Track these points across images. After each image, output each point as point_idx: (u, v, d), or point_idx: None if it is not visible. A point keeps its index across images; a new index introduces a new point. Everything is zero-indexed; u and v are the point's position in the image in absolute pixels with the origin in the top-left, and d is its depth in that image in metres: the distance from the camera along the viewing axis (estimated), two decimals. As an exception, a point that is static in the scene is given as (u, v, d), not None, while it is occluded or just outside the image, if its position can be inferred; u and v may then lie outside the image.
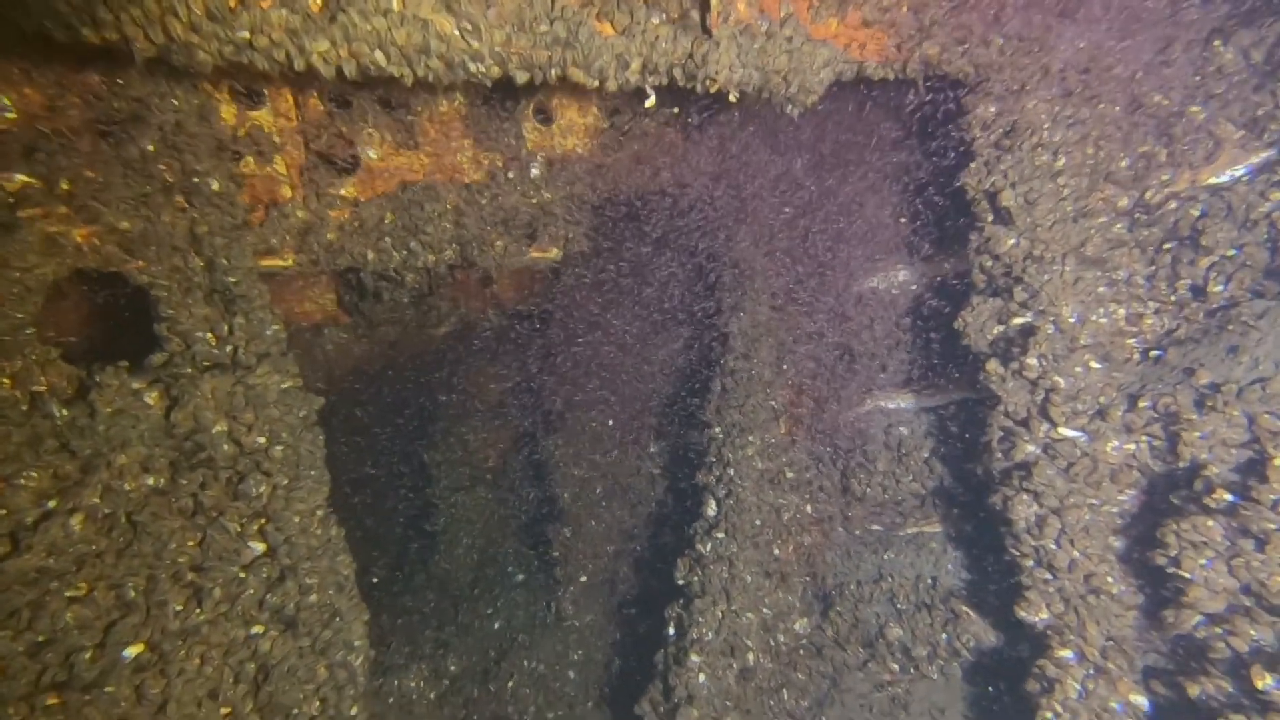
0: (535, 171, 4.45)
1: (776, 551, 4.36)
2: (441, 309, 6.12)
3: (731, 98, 2.75)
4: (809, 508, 4.62)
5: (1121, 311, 3.32)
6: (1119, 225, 3.36)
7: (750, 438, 4.31)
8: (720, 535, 4.10)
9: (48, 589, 2.49)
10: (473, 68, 2.44)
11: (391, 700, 5.23)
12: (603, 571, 5.38)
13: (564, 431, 5.68)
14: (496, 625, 5.61)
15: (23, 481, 2.50)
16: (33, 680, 2.43)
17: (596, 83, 2.60)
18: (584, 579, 5.42)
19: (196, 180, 3.04)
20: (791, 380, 4.66)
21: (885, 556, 4.41)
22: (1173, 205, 3.33)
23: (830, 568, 4.55)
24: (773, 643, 4.20)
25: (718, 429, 4.36)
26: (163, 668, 2.69)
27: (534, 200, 4.45)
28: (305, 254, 3.68)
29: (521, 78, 2.57)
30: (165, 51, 2.29)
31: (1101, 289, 3.27)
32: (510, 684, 5.14)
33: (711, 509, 4.26)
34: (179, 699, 2.71)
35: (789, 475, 4.54)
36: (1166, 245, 3.31)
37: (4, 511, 2.46)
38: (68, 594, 2.55)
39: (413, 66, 2.41)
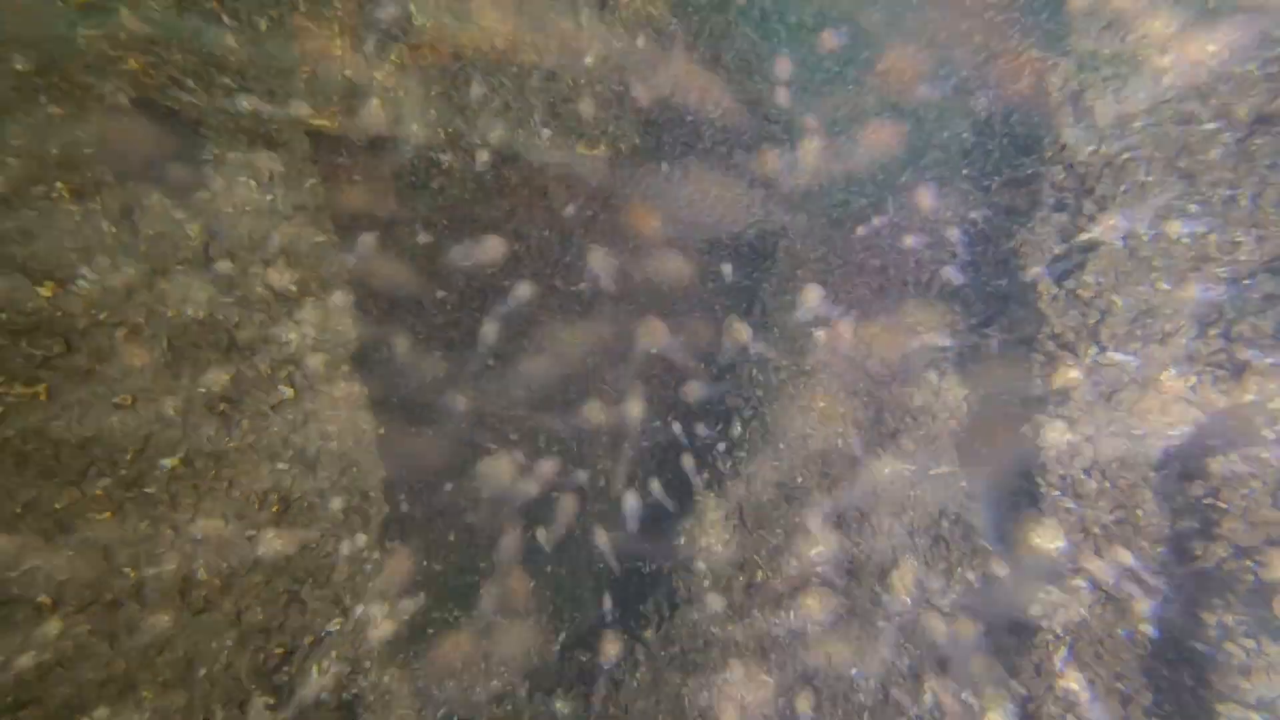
0: (589, 60, 4.31)
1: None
2: (496, 218, 6.08)
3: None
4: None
5: (1213, 237, 2.92)
6: (1226, 135, 2.92)
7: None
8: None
9: (95, 392, 2.73)
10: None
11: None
12: None
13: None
14: None
15: (79, 285, 2.71)
16: (80, 470, 2.69)
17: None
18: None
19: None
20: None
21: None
22: (1298, 116, 2.85)
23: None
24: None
25: None
26: (195, 483, 2.93)
27: (584, 93, 4.33)
28: (349, 116, 3.72)
29: None
30: None
31: (1192, 207, 2.88)
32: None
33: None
34: (209, 513, 2.95)
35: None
36: (1281, 162, 2.85)
37: (60, 314, 2.68)
38: (114, 400, 2.79)
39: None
